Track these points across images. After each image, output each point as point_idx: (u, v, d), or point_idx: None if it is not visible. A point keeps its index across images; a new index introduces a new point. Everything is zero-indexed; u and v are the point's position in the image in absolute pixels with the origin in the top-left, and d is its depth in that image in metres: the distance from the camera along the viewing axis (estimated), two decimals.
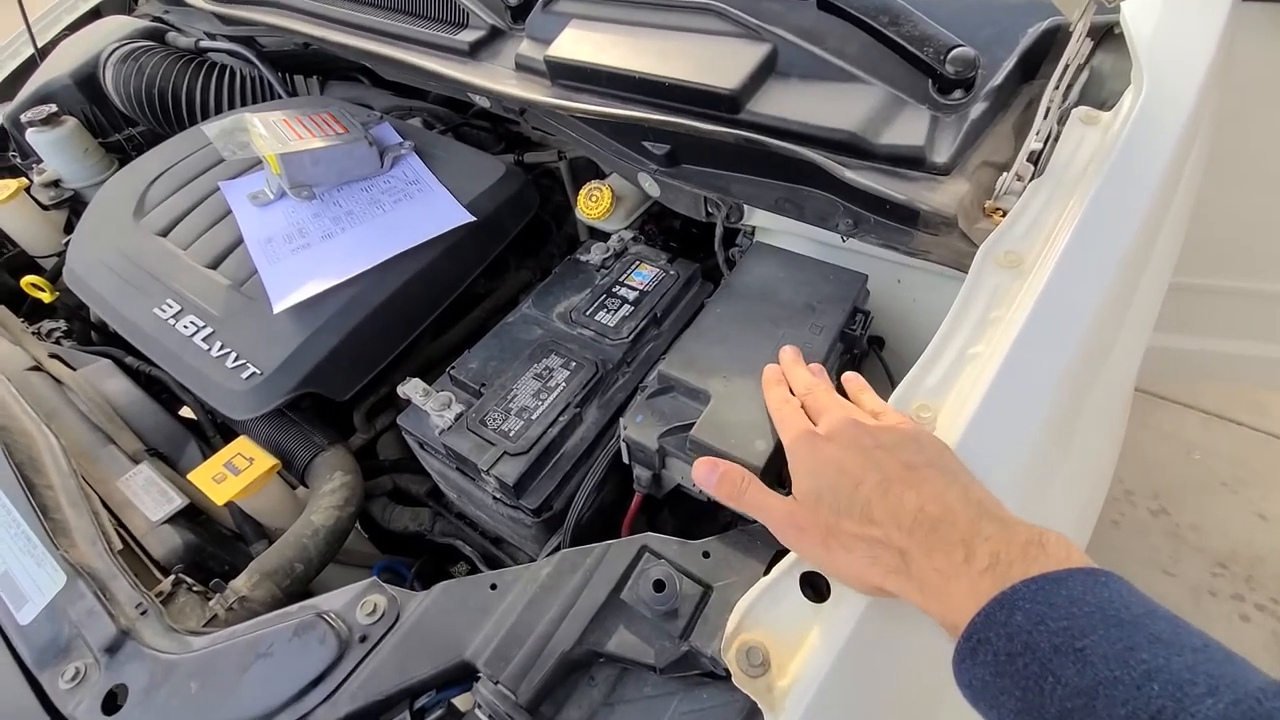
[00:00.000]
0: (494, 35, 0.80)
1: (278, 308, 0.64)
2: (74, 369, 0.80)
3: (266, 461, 0.62)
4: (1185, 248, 0.67)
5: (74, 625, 0.50)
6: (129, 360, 0.81)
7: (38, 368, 0.79)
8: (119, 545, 0.56)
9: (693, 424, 0.49)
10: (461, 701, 0.44)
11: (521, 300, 0.69)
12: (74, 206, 1.08)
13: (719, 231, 0.70)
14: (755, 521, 0.48)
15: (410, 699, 0.44)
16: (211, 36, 1.10)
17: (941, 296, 0.63)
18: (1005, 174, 0.57)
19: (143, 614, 0.50)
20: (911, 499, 0.36)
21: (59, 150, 1.04)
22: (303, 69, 1.15)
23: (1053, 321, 0.46)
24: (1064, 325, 0.46)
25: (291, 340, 0.64)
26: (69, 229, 1.06)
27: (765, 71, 0.64)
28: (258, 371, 0.63)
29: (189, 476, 0.62)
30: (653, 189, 0.74)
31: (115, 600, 0.51)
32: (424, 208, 0.74)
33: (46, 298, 0.94)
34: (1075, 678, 0.27)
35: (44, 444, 0.62)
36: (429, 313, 0.73)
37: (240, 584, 0.54)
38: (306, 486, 0.66)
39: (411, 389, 0.60)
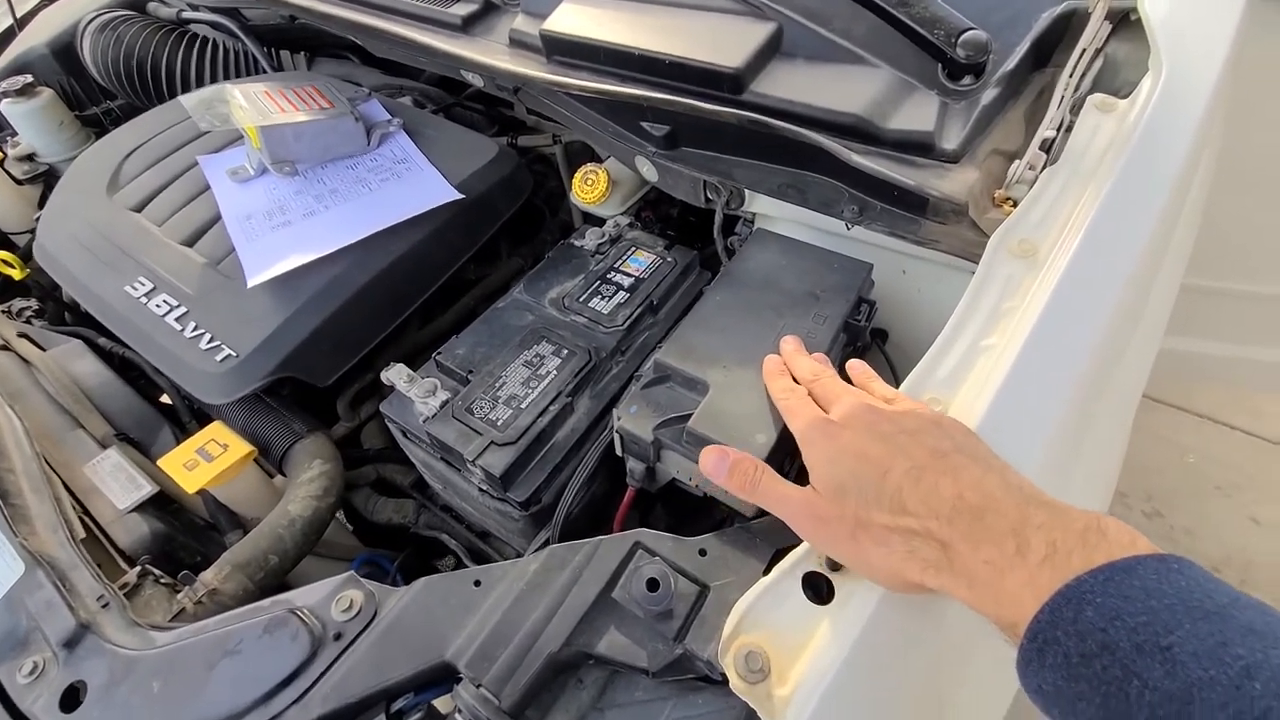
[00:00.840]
0: (488, 9, 0.77)
1: (252, 282, 0.61)
2: (44, 349, 0.76)
3: (242, 448, 0.59)
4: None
5: (32, 617, 0.47)
6: (101, 341, 0.77)
7: (5, 347, 0.75)
8: (82, 534, 0.53)
9: (690, 415, 0.47)
10: (442, 704, 0.42)
11: (513, 286, 0.66)
12: (49, 181, 1.03)
13: (718, 218, 0.68)
14: (753, 518, 0.46)
15: (387, 701, 0.42)
16: (194, 7, 1.07)
17: (949, 288, 0.61)
18: (1016, 162, 0.55)
19: (104, 606, 0.47)
20: (948, 486, 0.33)
21: (34, 122, 1.00)
22: (289, 44, 1.11)
23: (1070, 313, 0.44)
24: (1081, 317, 0.44)
25: (270, 322, 0.61)
26: (44, 205, 1.02)
27: (770, 51, 0.61)
28: (233, 354, 0.60)
29: (159, 463, 0.59)
30: (650, 173, 0.71)
31: (75, 591, 0.48)
32: (411, 186, 0.71)
33: (17, 274, 0.90)
34: (1165, 680, 0.24)
35: (6, 426, 0.59)
36: (416, 297, 0.70)
37: (210, 576, 0.51)
38: (285, 475, 0.63)
39: (395, 374, 0.57)
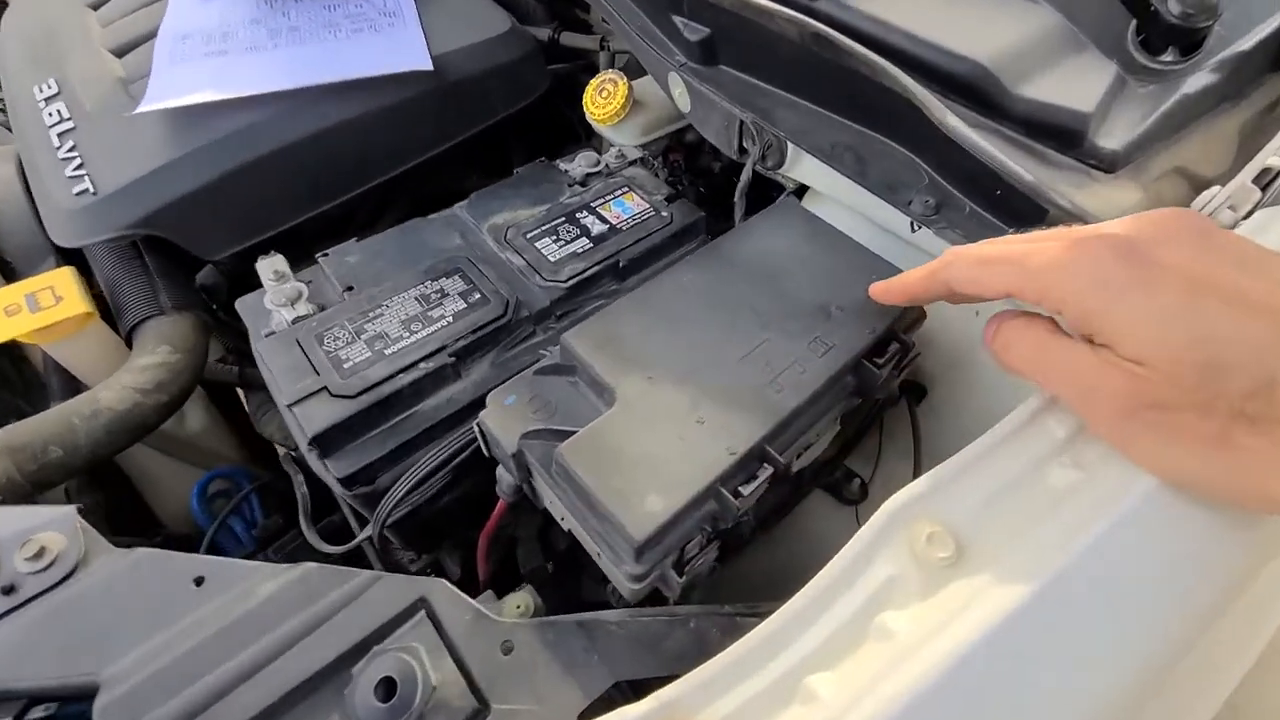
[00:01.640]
0: None
1: (142, 108, 0.49)
2: None
3: (78, 306, 0.48)
4: None
5: None
6: None
7: None
8: None
9: (574, 432, 0.31)
10: None
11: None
12: None
13: (745, 174, 0.50)
14: (635, 604, 0.30)
15: (26, 704, 0.29)
16: None
17: None
18: (1210, 193, 0.35)
19: None
20: None
21: None
22: None
23: None
24: None
25: (146, 162, 0.48)
26: None
27: None
28: (90, 190, 0.48)
29: None
30: (684, 100, 0.53)
31: None
32: (385, 43, 0.56)
33: None
34: None
35: None
36: (351, 185, 0.56)
37: None
38: None
39: (267, 265, 0.44)
